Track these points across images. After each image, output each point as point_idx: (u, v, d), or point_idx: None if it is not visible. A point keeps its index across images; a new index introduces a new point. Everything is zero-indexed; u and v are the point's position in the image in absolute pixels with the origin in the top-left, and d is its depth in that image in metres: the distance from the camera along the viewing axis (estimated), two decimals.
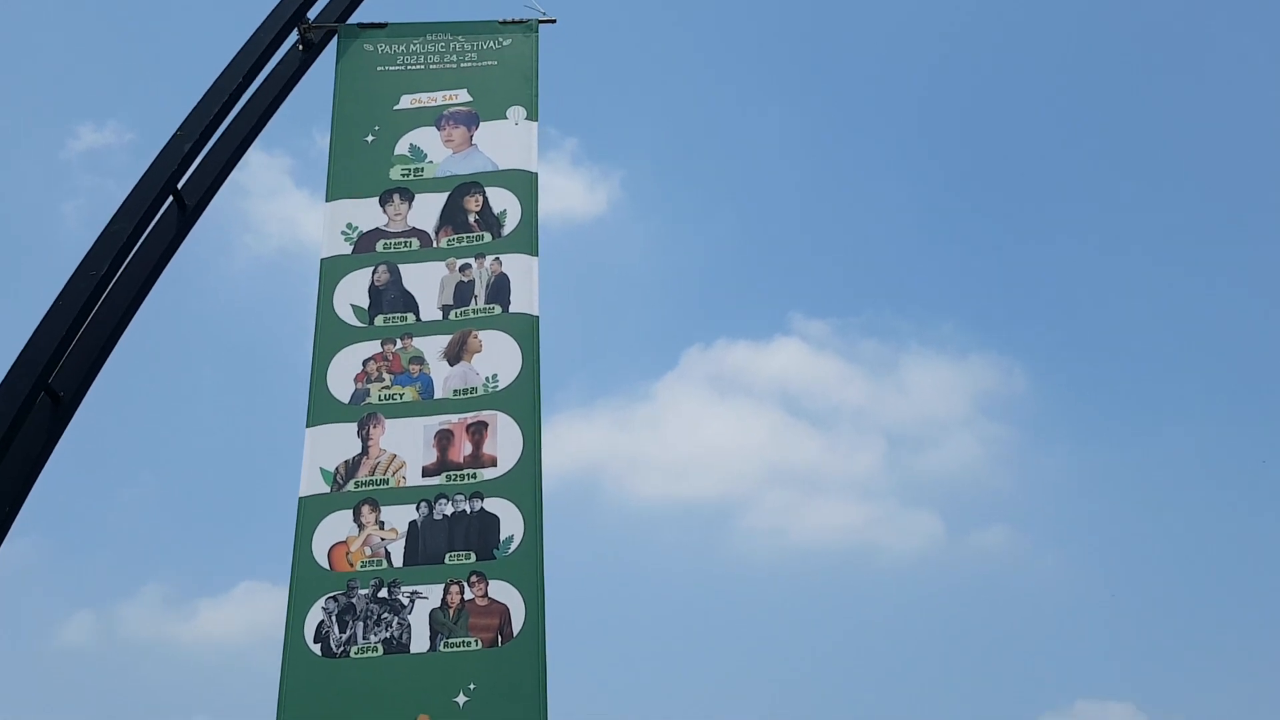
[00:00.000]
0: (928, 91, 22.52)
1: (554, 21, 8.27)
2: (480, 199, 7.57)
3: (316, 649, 6.31)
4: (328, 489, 6.73)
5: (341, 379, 7.04)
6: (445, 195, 7.62)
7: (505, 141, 7.82)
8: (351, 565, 6.52)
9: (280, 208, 20.62)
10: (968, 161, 22.44)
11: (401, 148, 7.84)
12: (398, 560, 6.52)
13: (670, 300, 21.42)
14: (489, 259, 7.36)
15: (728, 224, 22.03)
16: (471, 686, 6.15)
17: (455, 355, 7.06)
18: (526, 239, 7.40)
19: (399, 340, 7.15)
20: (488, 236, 7.44)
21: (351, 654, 6.29)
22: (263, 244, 20.82)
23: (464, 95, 8.05)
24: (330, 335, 7.19)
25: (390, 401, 6.96)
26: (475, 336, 7.10)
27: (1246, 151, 21.31)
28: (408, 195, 7.64)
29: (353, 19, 8.32)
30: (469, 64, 8.18)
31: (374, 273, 7.39)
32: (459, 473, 6.71)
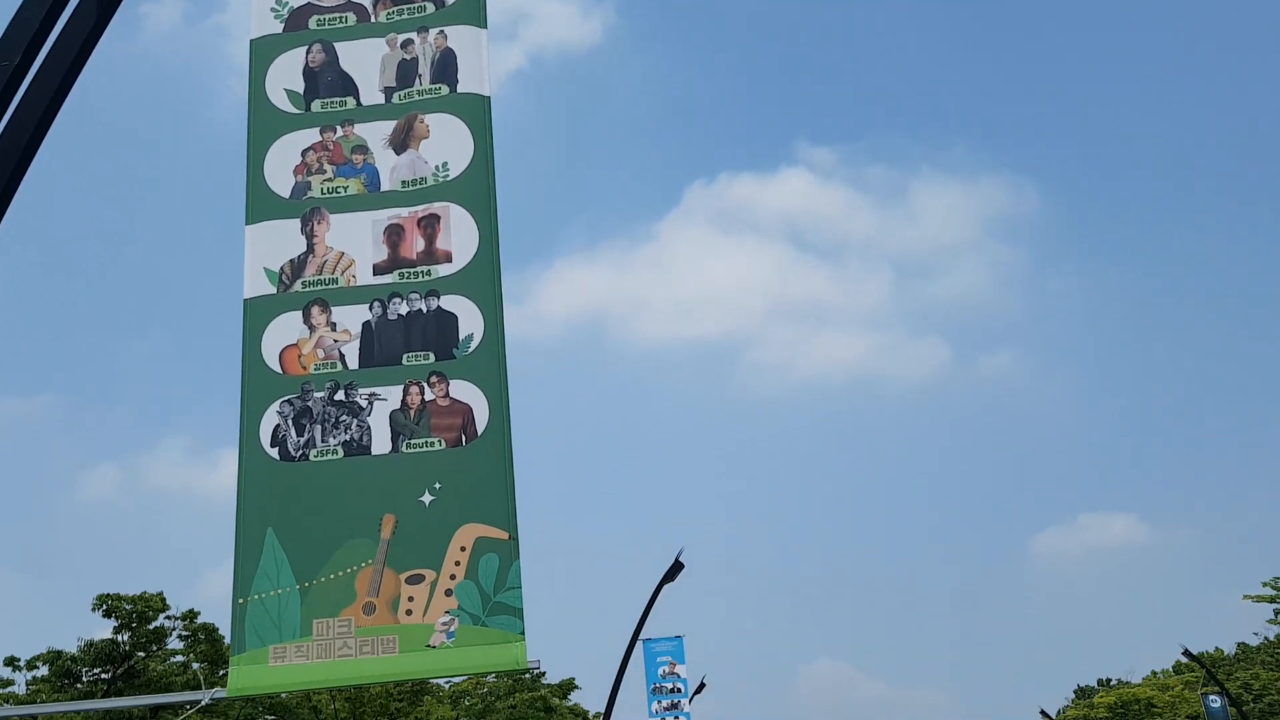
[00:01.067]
0: None
1: None
2: None
3: (274, 453, 6.13)
4: (274, 290, 6.41)
5: (279, 171, 6.59)
6: None
7: None
8: (305, 368, 6.27)
9: None
10: None
11: None
12: (353, 362, 6.26)
13: (671, 134, 20.66)
14: (433, 32, 6.80)
15: (728, 49, 21.01)
16: (437, 485, 6.02)
17: (401, 142, 6.60)
18: (473, 8, 6.83)
19: (339, 127, 6.67)
20: (430, 7, 6.86)
21: (311, 457, 6.12)
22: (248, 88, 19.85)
23: None
24: (264, 124, 6.69)
25: (334, 195, 6.54)
26: (422, 121, 6.62)
27: None
28: None
29: None
30: None
31: (308, 53, 6.84)
32: (412, 270, 6.37)
